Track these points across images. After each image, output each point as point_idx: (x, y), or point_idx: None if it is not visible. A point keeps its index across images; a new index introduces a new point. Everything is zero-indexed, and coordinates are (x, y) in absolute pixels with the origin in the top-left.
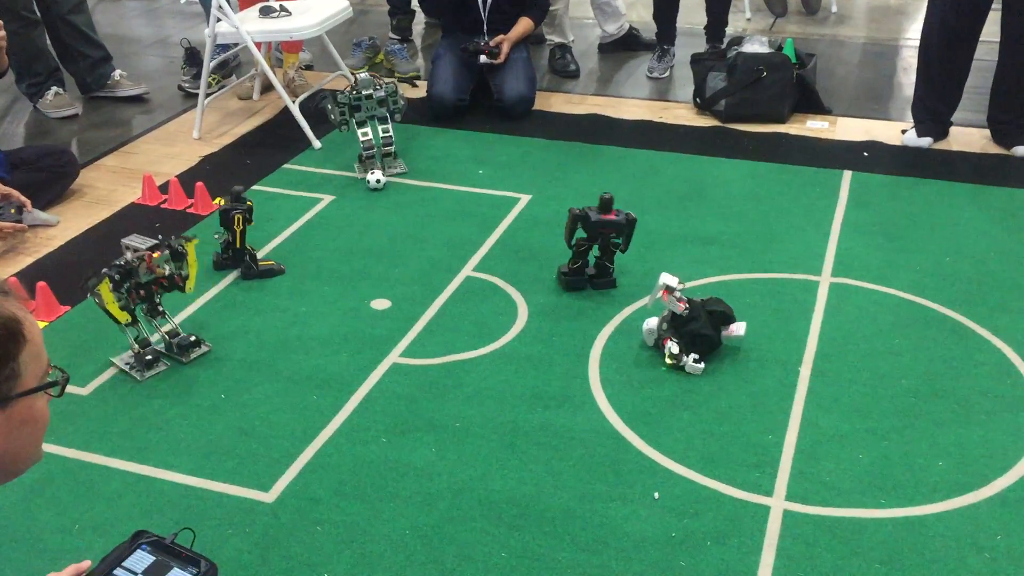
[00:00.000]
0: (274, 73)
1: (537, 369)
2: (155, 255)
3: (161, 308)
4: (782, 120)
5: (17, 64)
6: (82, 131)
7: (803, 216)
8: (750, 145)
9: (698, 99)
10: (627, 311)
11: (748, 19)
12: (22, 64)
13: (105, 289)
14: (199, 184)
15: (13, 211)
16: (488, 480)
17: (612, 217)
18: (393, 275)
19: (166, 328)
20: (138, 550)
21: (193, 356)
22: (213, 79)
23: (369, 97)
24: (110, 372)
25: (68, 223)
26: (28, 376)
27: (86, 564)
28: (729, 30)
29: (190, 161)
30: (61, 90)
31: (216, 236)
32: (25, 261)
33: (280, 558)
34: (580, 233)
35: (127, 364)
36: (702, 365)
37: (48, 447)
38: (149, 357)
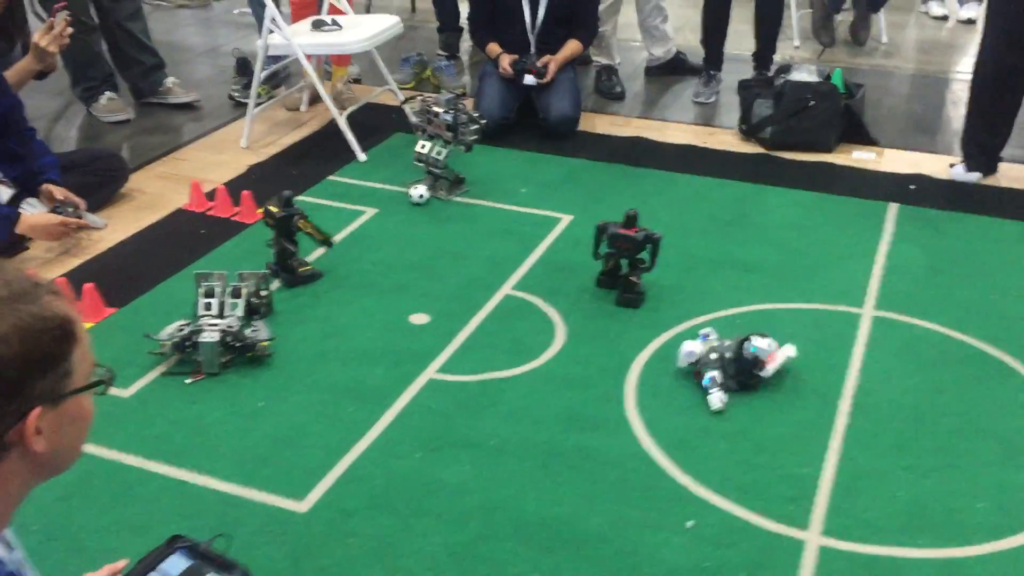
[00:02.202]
0: (322, 85)
1: (573, 390)
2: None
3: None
4: (828, 149)
5: (73, 68)
6: (133, 136)
7: (847, 247)
8: (795, 173)
9: (744, 125)
10: (665, 336)
11: (796, 47)
12: (78, 69)
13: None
14: (245, 192)
15: (71, 210)
16: (521, 500)
17: (629, 232)
18: (433, 290)
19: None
20: (174, 554)
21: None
22: (263, 89)
23: (435, 115)
24: (152, 375)
25: (116, 226)
26: (78, 374)
27: (122, 564)
28: (777, 57)
29: (237, 169)
30: (115, 95)
31: (269, 243)
32: (73, 263)
33: (312, 569)
34: (607, 247)
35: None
36: (722, 403)
37: (89, 447)
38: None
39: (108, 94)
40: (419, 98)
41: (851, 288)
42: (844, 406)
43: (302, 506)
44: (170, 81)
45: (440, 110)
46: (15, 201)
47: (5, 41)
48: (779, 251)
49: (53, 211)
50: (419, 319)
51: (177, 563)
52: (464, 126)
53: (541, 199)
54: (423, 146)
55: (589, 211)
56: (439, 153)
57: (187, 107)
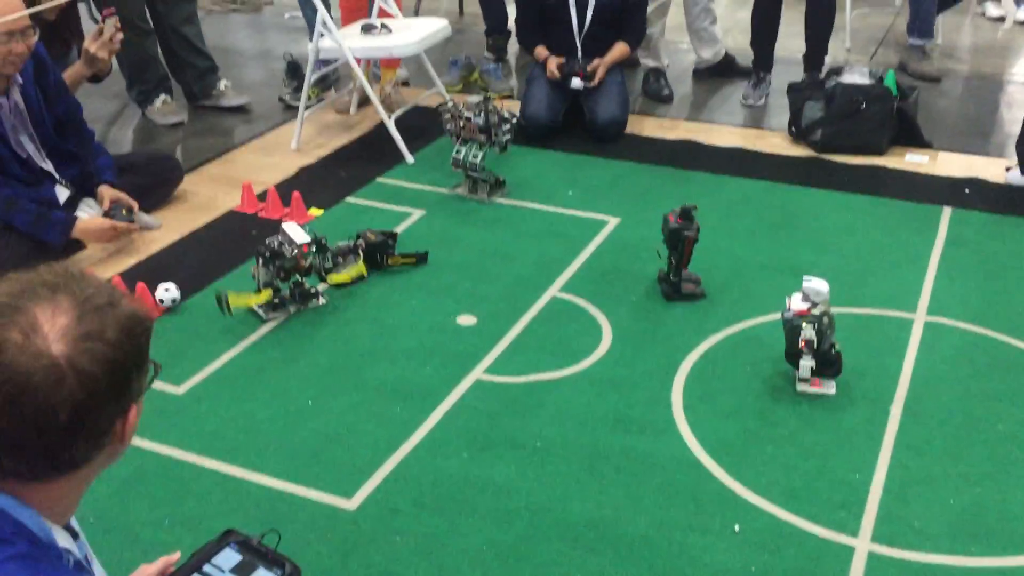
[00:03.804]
0: (371, 88)
1: (619, 393)
2: (304, 249)
3: (301, 280)
4: (880, 152)
5: (128, 72)
6: (186, 138)
7: (899, 251)
8: (846, 177)
9: (793, 128)
10: (713, 339)
11: (848, 48)
12: (133, 72)
13: (248, 301)
14: (296, 193)
15: (124, 212)
16: (567, 501)
17: (671, 218)
18: (480, 292)
19: (294, 281)
20: (227, 548)
21: (310, 305)
22: (313, 92)
23: (467, 119)
24: (204, 373)
25: (170, 227)
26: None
27: (176, 556)
28: (828, 59)
29: (287, 171)
30: (169, 98)
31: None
32: (128, 262)
33: (359, 565)
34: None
35: (258, 307)
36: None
37: (143, 442)
38: (276, 301)
39: (163, 97)
40: (449, 103)
41: (903, 293)
42: (895, 411)
43: (350, 504)
44: (223, 84)
45: (470, 114)
46: (72, 202)
47: (60, 46)
48: (829, 255)
49: (106, 214)
50: (466, 320)
51: (229, 557)
52: (497, 127)
53: (588, 202)
54: (458, 151)
55: (636, 214)
56: (475, 156)
57: (239, 110)
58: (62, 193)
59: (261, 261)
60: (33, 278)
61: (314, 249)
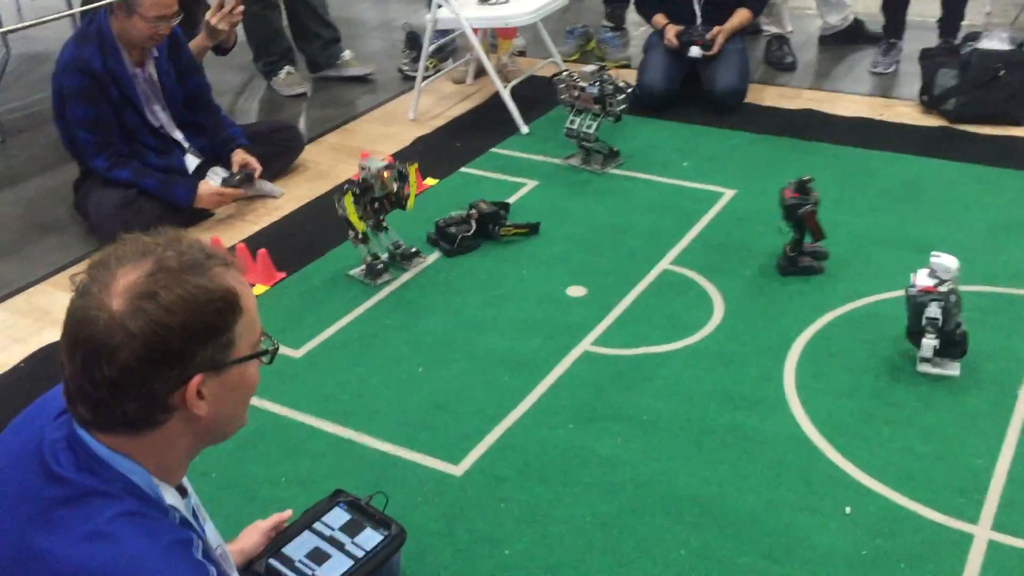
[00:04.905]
0: (488, 59)
1: (729, 368)
2: (386, 174)
3: (385, 224)
4: (1018, 123)
5: (255, 44)
6: (309, 109)
7: None
8: (979, 148)
9: (925, 97)
10: (830, 315)
11: (988, 12)
12: (260, 44)
13: (349, 200)
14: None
15: (238, 179)
16: (672, 476)
17: (787, 195)
18: (591, 263)
19: (392, 242)
20: (336, 507)
21: (415, 265)
22: (431, 63)
23: (581, 89)
24: (321, 338)
25: (291, 195)
26: (242, 344)
27: (288, 514)
28: (965, 24)
29: (404, 141)
30: (292, 70)
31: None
32: (252, 229)
33: (464, 531)
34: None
35: (360, 274)
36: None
37: (263, 403)
38: (379, 267)
39: (287, 68)
40: (564, 73)
41: None
42: None
43: (457, 470)
44: (347, 54)
45: (585, 84)
46: (200, 171)
47: (188, 20)
48: (958, 230)
49: (225, 181)
50: (576, 292)
51: (338, 516)
52: (611, 96)
53: (703, 173)
54: (572, 121)
55: (753, 186)
56: (588, 127)
57: (359, 80)
58: (191, 162)
59: (353, 198)
60: (141, 240)
61: (395, 174)
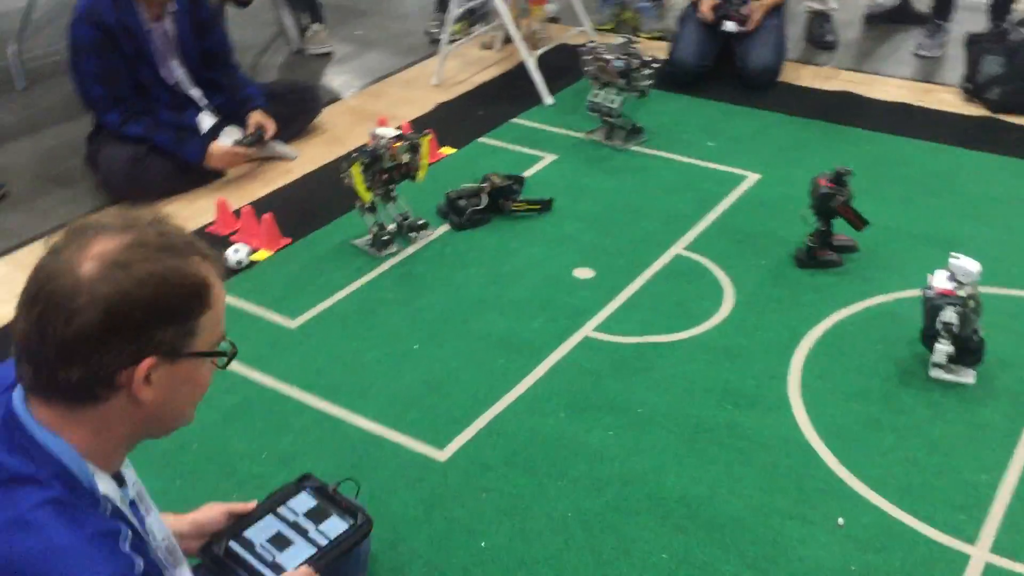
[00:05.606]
0: (517, 25)
1: (733, 363)
2: (397, 144)
3: (395, 194)
4: None
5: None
6: (332, 68)
7: None
8: (1022, 141)
9: (968, 84)
10: (844, 312)
11: None
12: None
13: (356, 170)
14: (429, 131)
15: (249, 138)
16: (661, 474)
17: (821, 182)
18: (601, 244)
19: (399, 213)
20: (303, 492)
21: (422, 235)
22: (460, 27)
23: (606, 62)
24: (318, 309)
25: (305, 158)
26: (202, 339)
27: (251, 505)
28: (1020, 7)
29: (425, 107)
30: (321, 26)
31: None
32: (261, 191)
33: (442, 519)
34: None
35: (365, 244)
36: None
37: (252, 373)
38: (385, 238)
39: (315, 26)
40: (590, 43)
41: None
42: None
43: (442, 455)
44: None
45: (611, 57)
46: (215, 130)
47: None
48: (990, 227)
49: (237, 141)
50: (583, 273)
51: (304, 501)
52: (637, 71)
53: (728, 154)
54: (596, 94)
55: (778, 171)
56: (612, 101)
57: (385, 42)
58: (206, 120)
59: (362, 168)
60: (128, 213)
61: (407, 145)
